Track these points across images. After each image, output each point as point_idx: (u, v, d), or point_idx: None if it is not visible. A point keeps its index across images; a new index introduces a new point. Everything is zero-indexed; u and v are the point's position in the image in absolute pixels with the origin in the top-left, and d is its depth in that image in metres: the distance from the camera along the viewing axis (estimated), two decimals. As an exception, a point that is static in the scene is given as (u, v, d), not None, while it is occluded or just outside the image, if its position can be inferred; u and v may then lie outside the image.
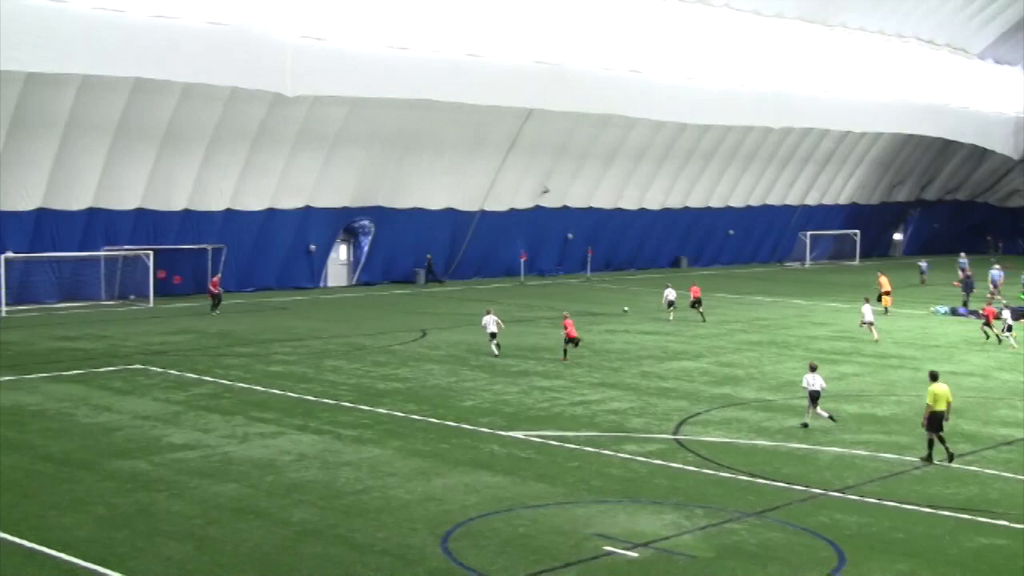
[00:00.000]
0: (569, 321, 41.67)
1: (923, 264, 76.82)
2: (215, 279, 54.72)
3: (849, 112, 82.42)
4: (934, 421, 26.93)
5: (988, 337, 46.58)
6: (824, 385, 30.73)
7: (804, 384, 30.89)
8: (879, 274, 60.73)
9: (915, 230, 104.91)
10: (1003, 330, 46.51)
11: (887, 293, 57.77)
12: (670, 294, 53.21)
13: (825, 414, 30.45)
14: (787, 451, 28.08)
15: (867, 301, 49.48)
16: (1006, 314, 47.18)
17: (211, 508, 22.30)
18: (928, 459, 27.07)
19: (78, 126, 52.63)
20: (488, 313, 43.07)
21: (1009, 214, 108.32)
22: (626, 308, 57.19)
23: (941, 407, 26.89)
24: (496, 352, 41.70)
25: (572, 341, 41.26)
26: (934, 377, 27.60)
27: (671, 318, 52.40)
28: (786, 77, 77.11)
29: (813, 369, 30.95)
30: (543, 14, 63.75)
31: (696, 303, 53.48)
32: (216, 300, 53.37)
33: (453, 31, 59.82)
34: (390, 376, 37.42)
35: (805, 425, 30.58)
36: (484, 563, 19.41)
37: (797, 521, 22.12)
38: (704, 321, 52.11)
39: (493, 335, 42.19)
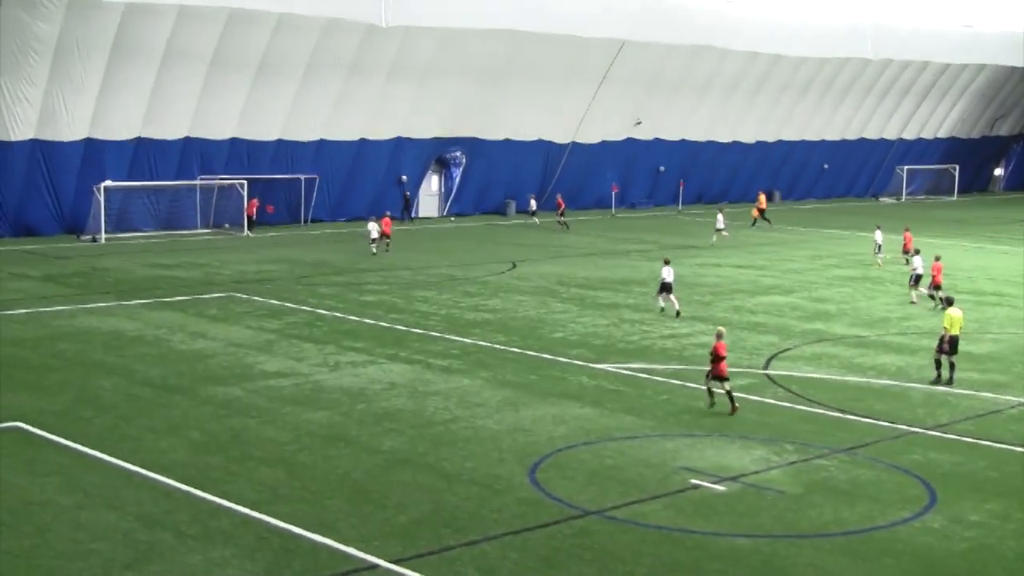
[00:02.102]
0: (387, 220, 51.59)
1: None
2: (253, 202, 56.52)
3: (950, 44, 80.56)
4: (950, 344, 28.18)
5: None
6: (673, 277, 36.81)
7: (661, 276, 36.74)
8: (760, 192, 70.79)
9: (1017, 165, 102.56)
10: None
11: (762, 209, 66.55)
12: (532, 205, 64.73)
13: (671, 306, 36.38)
14: (879, 387, 27.82)
15: (721, 211, 59.24)
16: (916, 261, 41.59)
17: (303, 435, 22.65)
18: (938, 380, 28.17)
19: (175, 56, 53.12)
20: (372, 221, 51.04)
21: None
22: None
23: (956, 331, 28.19)
24: (374, 252, 49.39)
25: (385, 237, 50.41)
26: (950, 302, 29.14)
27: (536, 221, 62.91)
28: (886, 8, 75.42)
29: (667, 263, 37.13)
30: (638, -57, 62.96)
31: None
32: (250, 222, 56.08)
33: (546, -39, 59.33)
34: (480, 307, 37.58)
35: (662, 309, 36.60)
36: (571, 494, 19.53)
37: (888, 458, 21.95)
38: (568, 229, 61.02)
39: (374, 240, 49.76)
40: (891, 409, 25.71)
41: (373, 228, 50.21)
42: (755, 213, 66.73)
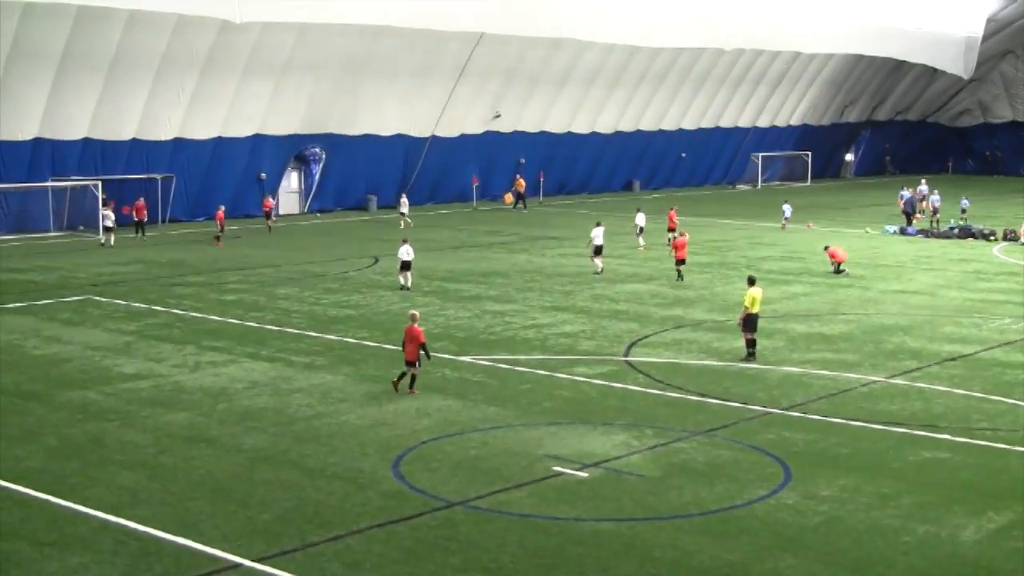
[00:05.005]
0: (141, 204, 54.30)
1: (904, 192, 71.50)
2: (139, 204, 54.98)
3: (800, 33, 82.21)
4: (750, 322, 29.26)
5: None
6: (413, 256, 39.64)
7: (399, 255, 39.43)
8: (518, 176, 73.39)
9: (866, 150, 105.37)
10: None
11: (519, 193, 71.90)
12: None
13: (407, 284, 39.40)
14: (736, 371, 28.42)
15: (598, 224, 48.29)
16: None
17: (163, 437, 22.35)
18: (751, 356, 29.28)
19: (21, 55, 51.76)
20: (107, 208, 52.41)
21: (958, 134, 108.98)
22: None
23: (757, 309, 29.34)
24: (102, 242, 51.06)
25: (142, 223, 53.18)
26: (751, 282, 30.02)
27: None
28: (737, -2, 76.71)
29: (405, 241, 40.15)
30: (492, -63, 63.07)
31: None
32: (140, 225, 54.38)
33: (401, -46, 59.07)
34: (342, 303, 37.43)
35: (403, 288, 39.22)
36: (435, 485, 19.61)
37: (745, 439, 22.46)
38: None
39: (108, 229, 51.40)
40: (748, 391, 26.30)
41: (108, 216, 52.08)
42: (509, 199, 72.12)
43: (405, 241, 40.61)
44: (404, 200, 62.48)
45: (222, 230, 53.43)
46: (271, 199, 61.50)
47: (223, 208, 55.13)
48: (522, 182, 72.82)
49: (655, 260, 47.36)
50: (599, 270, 43.93)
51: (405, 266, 39.66)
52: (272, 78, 61.00)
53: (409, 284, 39.58)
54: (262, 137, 62.88)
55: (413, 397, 25.28)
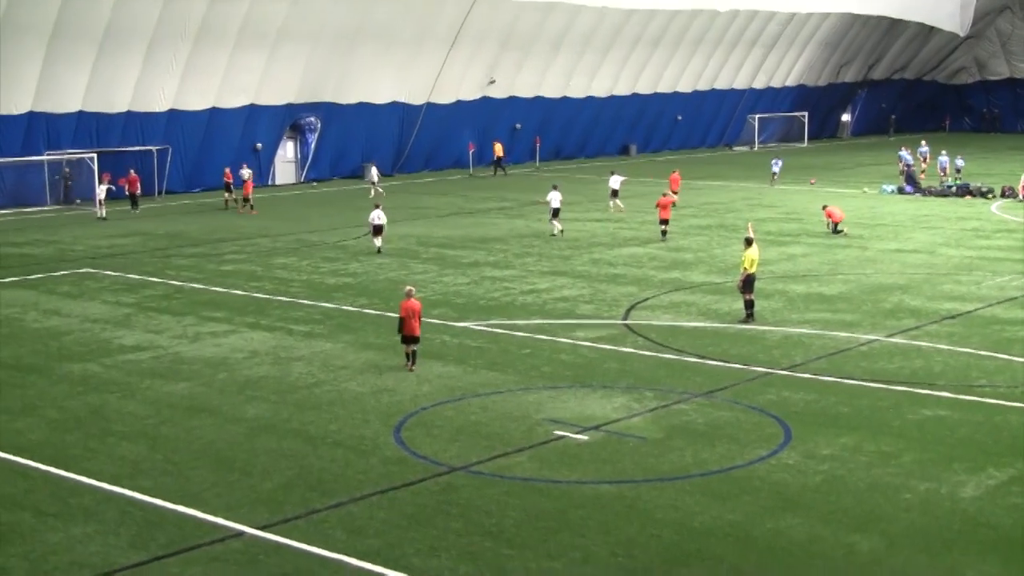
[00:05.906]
0: (134, 177, 53.95)
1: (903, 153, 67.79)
2: (133, 177, 54.65)
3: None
4: (749, 283, 29.26)
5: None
6: (384, 220, 40.75)
7: (370, 219, 40.84)
8: (496, 142, 72.10)
9: (863, 110, 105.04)
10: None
11: (499, 157, 71.29)
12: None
13: (378, 244, 40.58)
14: (735, 332, 28.45)
15: (555, 188, 46.74)
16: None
17: (163, 407, 22.38)
18: (750, 317, 29.24)
19: (13, 27, 51.49)
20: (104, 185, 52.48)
21: (955, 91, 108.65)
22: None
23: (753, 270, 29.37)
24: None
25: (134, 197, 53.25)
26: (749, 243, 29.83)
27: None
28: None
29: (377, 207, 41.41)
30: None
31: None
32: (134, 198, 54.07)
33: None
34: (340, 271, 37.42)
35: (379, 250, 40.42)
36: (437, 451, 19.66)
37: (745, 400, 22.50)
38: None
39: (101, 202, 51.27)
40: (747, 352, 26.34)
41: (101, 190, 52.11)
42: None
43: (377, 206, 41.71)
44: (373, 169, 61.96)
45: (246, 200, 53.49)
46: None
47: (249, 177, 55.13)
48: (499, 147, 72.37)
49: (653, 223, 47.25)
50: (556, 232, 44.44)
51: (377, 230, 40.68)
52: (266, 47, 60.71)
53: (380, 247, 40.64)
54: (257, 107, 62.63)
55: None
